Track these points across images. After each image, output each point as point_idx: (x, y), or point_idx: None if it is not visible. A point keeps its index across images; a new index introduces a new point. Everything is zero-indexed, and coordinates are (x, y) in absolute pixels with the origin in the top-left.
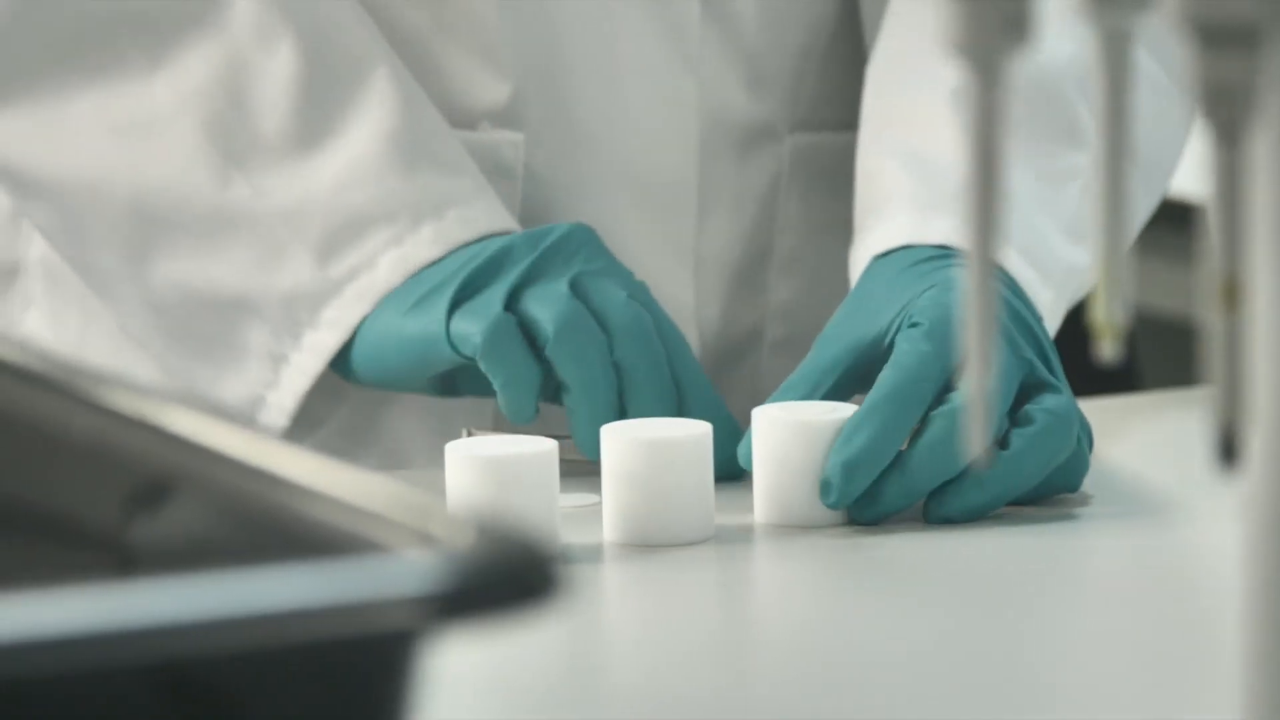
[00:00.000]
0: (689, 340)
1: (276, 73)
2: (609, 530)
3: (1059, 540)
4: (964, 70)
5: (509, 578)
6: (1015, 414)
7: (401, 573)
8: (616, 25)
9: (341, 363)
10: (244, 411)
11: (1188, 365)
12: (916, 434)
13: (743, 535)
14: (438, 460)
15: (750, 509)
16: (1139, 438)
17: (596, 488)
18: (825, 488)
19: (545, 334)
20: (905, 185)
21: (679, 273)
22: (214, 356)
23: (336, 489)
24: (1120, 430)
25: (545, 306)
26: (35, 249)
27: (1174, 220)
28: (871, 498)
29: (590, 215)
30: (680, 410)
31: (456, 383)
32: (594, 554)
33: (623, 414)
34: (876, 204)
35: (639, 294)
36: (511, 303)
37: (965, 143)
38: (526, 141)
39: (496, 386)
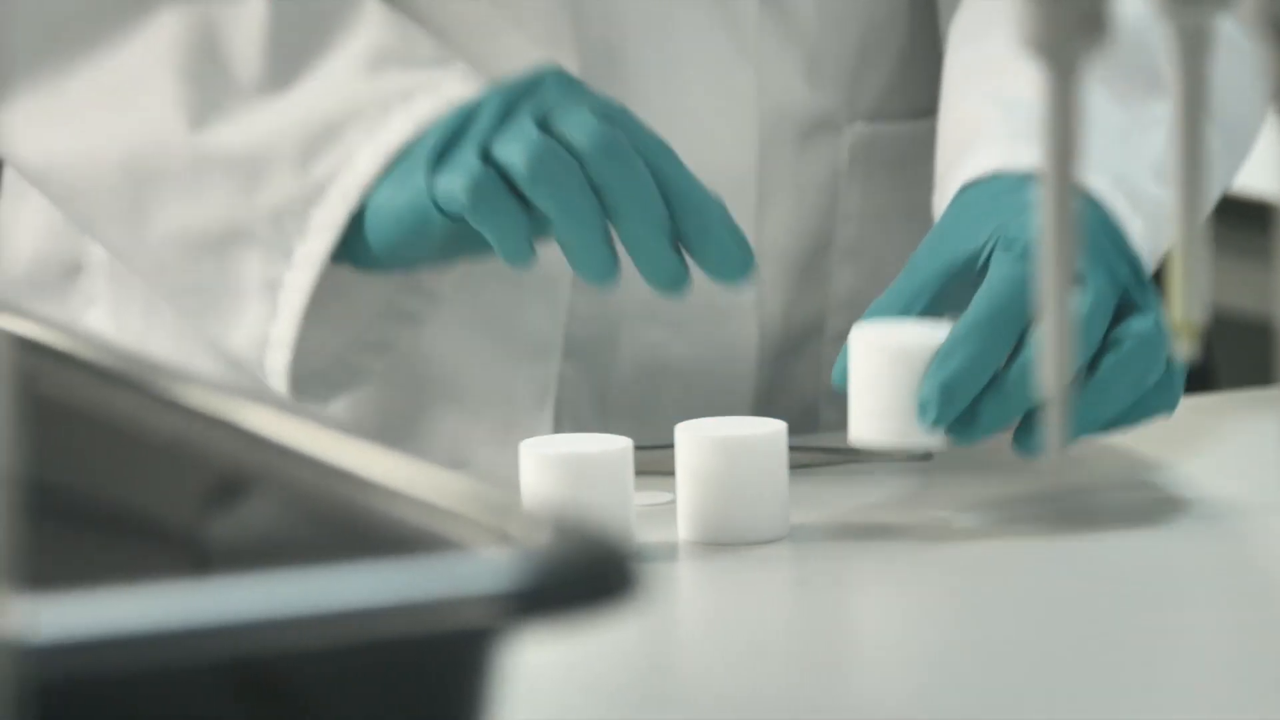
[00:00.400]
0: (749, 334)
1: (248, 20)
2: (683, 528)
3: (1141, 543)
4: (1042, 69)
5: (586, 575)
6: (1107, 337)
7: (478, 570)
8: (675, 17)
9: (353, 255)
10: (252, 358)
11: (1265, 365)
12: (1013, 354)
13: (817, 534)
14: (492, 458)
15: (826, 506)
16: (1215, 438)
17: (670, 486)
18: (923, 408)
19: (519, 174)
20: (993, 120)
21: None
22: (218, 305)
23: (413, 486)
24: (1197, 430)
25: (514, 147)
26: (98, 247)
27: (1250, 218)
28: (969, 419)
29: None
30: (675, 223)
31: (460, 246)
32: (668, 552)
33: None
34: (963, 142)
35: (615, 115)
36: (486, 154)
37: (1044, 139)
38: None
39: (490, 239)
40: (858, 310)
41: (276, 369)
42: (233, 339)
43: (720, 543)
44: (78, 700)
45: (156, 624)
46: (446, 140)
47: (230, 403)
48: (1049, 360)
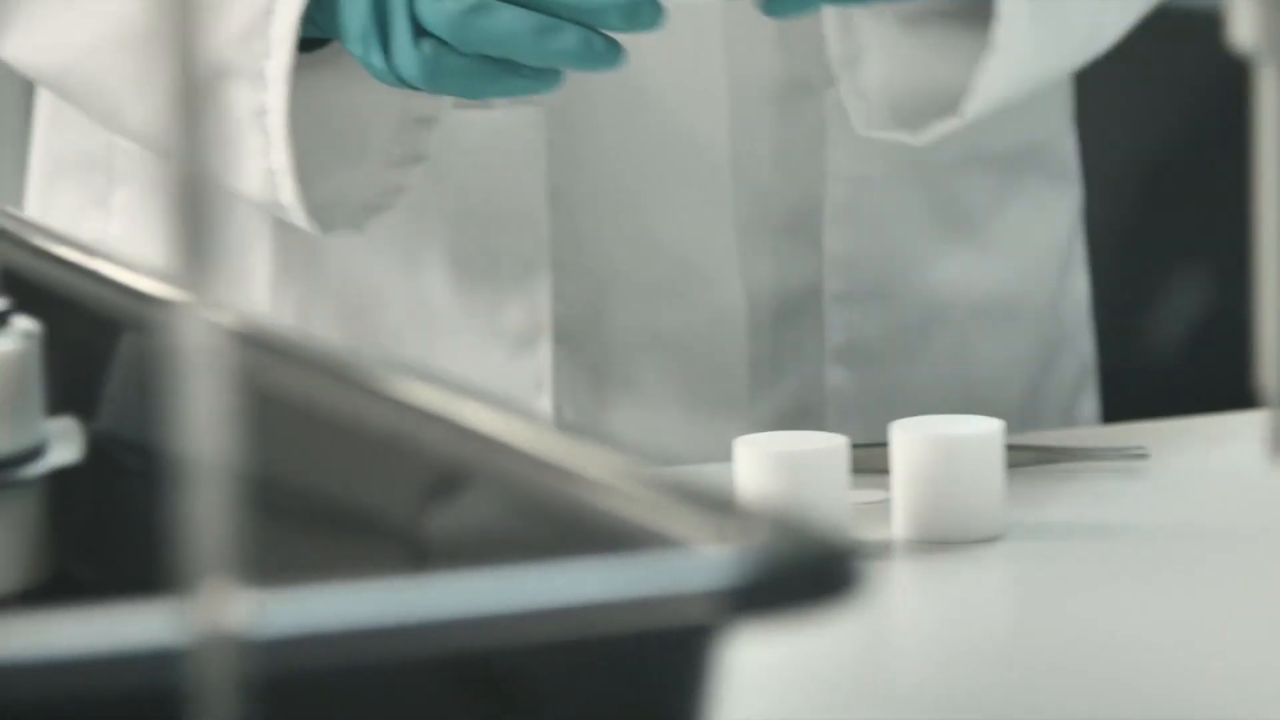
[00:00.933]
0: (736, 298)
1: None
2: (899, 527)
3: None
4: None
5: (806, 573)
6: None
7: (698, 566)
8: None
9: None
10: (269, 197)
11: None
12: None
13: (1033, 533)
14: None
15: (1041, 505)
16: None
17: (885, 484)
18: None
19: (454, 41)
20: None
21: (719, 233)
22: (228, 152)
23: (631, 482)
24: None
25: (436, 19)
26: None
27: None
28: None
29: (621, 186)
30: None
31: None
32: (884, 551)
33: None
34: None
35: None
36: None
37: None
38: (546, 118)
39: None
40: (857, 271)
41: (289, 201)
42: (248, 183)
43: (936, 541)
44: (299, 695)
45: (376, 619)
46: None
47: (449, 397)
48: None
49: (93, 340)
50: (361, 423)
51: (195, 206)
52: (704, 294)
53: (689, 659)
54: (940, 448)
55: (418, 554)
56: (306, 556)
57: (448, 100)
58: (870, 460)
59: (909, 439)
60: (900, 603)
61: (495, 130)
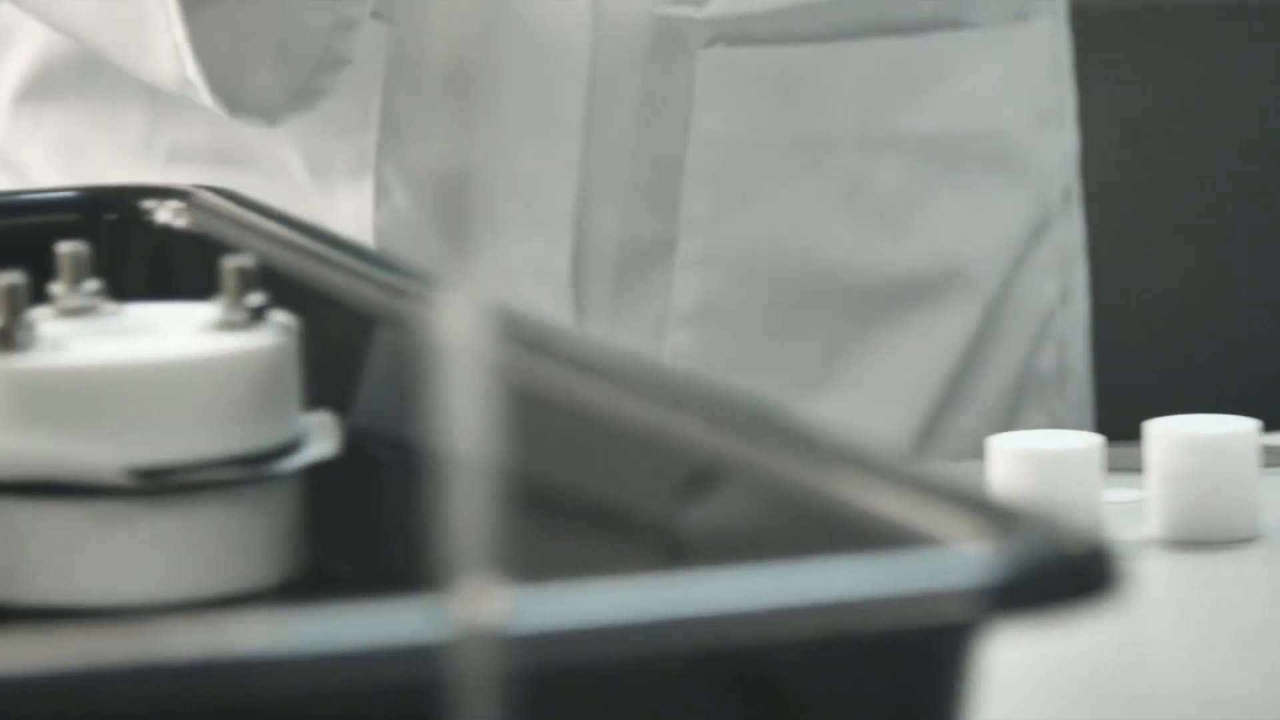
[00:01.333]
0: (562, 245)
1: None
2: (1153, 526)
3: None
4: None
5: (1065, 572)
6: None
7: (956, 564)
8: None
9: None
10: (175, 75)
11: None
12: None
13: None
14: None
15: None
16: None
17: (1138, 484)
18: None
19: None
20: None
21: (559, 182)
22: (134, 33)
23: (887, 479)
24: None
25: None
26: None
27: None
28: None
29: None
30: None
31: None
32: (1137, 550)
33: None
34: None
35: None
36: None
37: None
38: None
39: None
40: (716, 235)
41: (193, 75)
42: (160, 64)
43: (1191, 541)
44: (556, 691)
45: (633, 615)
46: None
47: (703, 391)
48: None
49: (350, 335)
50: (617, 418)
51: (459, 200)
52: (532, 235)
53: (945, 658)
54: (1197, 447)
55: (673, 550)
56: (563, 552)
57: (366, 6)
58: (1122, 459)
59: (1164, 438)
60: (1156, 602)
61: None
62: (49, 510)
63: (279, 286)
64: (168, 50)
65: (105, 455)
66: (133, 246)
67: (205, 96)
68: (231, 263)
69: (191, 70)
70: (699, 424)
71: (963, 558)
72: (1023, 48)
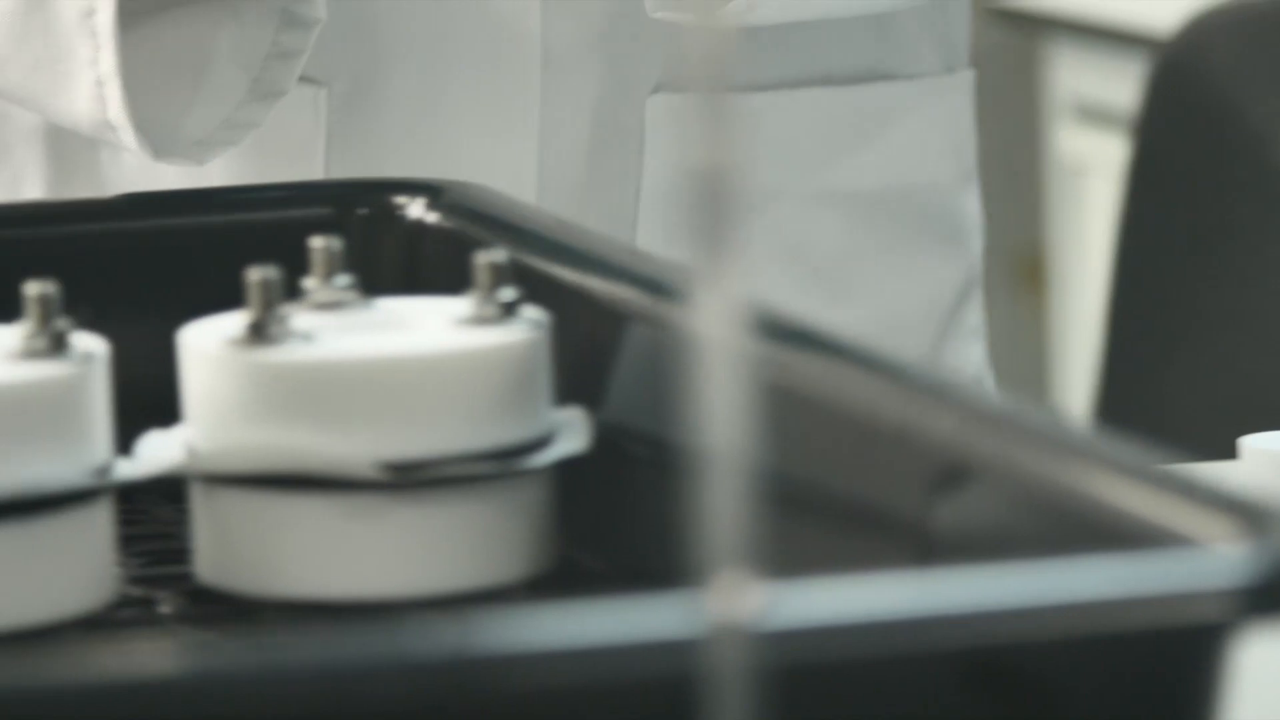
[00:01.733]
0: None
1: None
2: None
3: None
4: None
5: None
6: None
7: (1210, 565)
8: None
9: None
10: (93, 117)
11: None
12: None
13: None
14: None
15: None
16: None
17: None
18: None
19: None
20: None
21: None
22: (54, 70)
23: (1140, 478)
24: None
25: None
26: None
27: None
28: None
29: (418, 116)
30: None
31: None
32: None
33: None
34: None
35: None
36: None
37: None
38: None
39: None
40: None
41: (117, 116)
42: (77, 104)
43: None
44: (808, 687)
45: (884, 613)
46: None
47: (956, 389)
48: None
49: (601, 330)
50: (869, 413)
51: (716, 198)
52: None
53: (1200, 658)
54: None
55: (925, 548)
56: (815, 549)
57: (310, 38)
58: None
59: None
60: None
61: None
62: (301, 504)
63: (530, 281)
64: (88, 88)
65: (357, 449)
66: (384, 241)
67: (128, 138)
68: (484, 257)
69: (115, 110)
70: (951, 421)
71: (1216, 558)
72: (951, 101)
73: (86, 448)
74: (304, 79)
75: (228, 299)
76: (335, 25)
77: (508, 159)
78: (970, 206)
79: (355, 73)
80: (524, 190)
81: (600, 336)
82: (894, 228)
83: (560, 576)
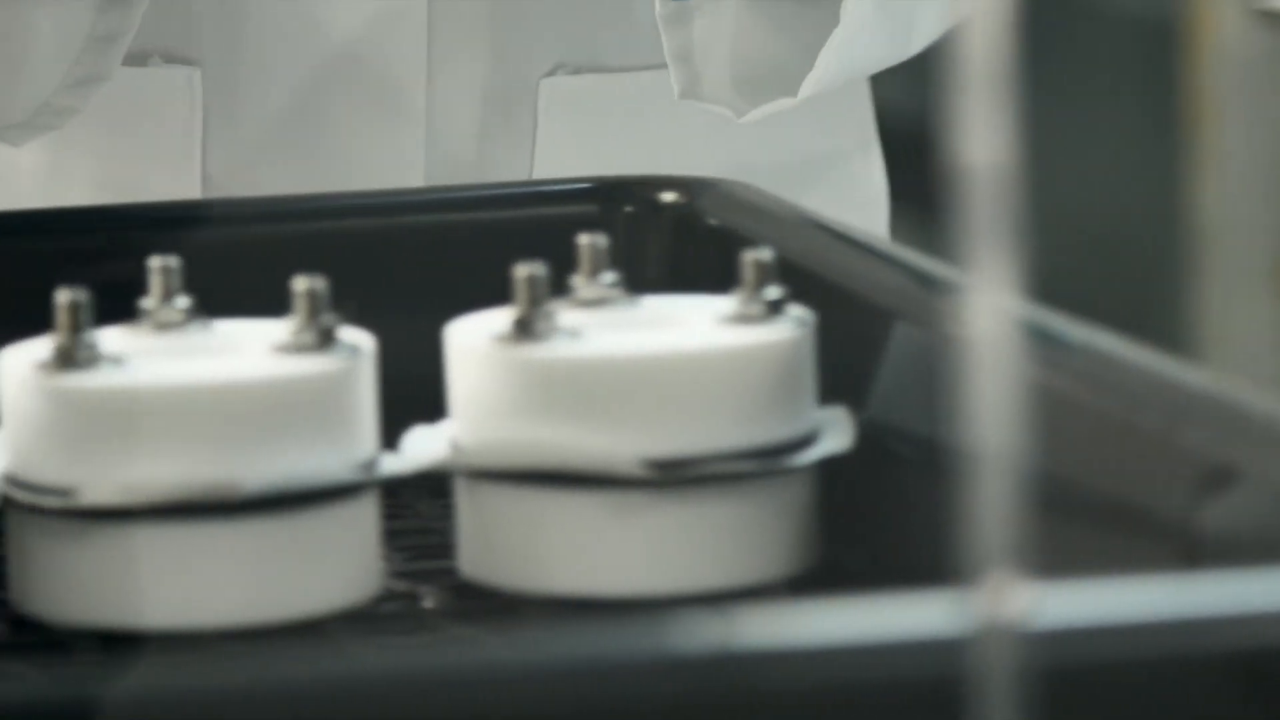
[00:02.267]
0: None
1: None
2: None
3: None
4: None
5: None
6: None
7: None
8: None
9: None
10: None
11: None
12: None
13: None
14: None
15: None
16: None
17: None
18: None
19: None
20: None
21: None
22: None
23: None
24: None
25: None
26: None
27: None
28: None
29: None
30: None
31: None
32: None
33: None
34: None
35: None
36: None
37: None
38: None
39: None
40: None
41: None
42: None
43: None
44: (1074, 687)
45: (1152, 614)
46: None
47: (1220, 392)
48: None
49: (866, 329)
50: (1136, 416)
51: (988, 196)
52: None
53: None
54: None
55: (1191, 549)
56: (1081, 549)
57: (134, 19)
58: None
59: None
60: None
61: (150, 84)
62: (564, 500)
63: (794, 279)
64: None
65: (622, 446)
66: (650, 237)
67: None
68: (750, 255)
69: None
70: (1216, 423)
71: None
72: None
73: (353, 442)
74: (176, 59)
75: (495, 295)
76: (204, 1)
77: (394, 141)
78: (875, 161)
79: (228, 53)
80: (411, 174)
81: (865, 335)
82: (813, 190)
83: (822, 575)
